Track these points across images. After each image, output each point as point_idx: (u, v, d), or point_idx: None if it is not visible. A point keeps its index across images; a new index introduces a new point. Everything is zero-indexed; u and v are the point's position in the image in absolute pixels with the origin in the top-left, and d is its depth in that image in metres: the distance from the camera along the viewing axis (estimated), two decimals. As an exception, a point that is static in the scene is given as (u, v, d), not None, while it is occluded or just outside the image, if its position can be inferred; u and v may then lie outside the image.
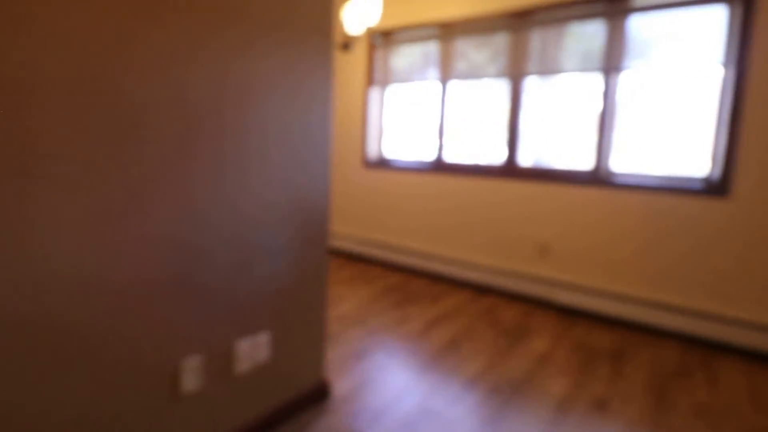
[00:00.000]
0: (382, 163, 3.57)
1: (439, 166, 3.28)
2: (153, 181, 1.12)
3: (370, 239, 3.72)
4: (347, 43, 2.94)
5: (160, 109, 1.12)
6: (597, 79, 2.66)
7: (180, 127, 1.16)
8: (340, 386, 1.81)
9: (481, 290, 3.07)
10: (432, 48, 3.25)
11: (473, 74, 3.10)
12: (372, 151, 3.68)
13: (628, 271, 2.57)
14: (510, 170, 2.96)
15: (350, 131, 3.79)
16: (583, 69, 2.68)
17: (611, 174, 2.65)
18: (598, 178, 2.64)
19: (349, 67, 3.73)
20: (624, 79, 2.59)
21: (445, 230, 3.26)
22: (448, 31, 3.16)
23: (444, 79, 3.24)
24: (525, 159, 3.00)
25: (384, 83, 3.53)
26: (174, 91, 1.14)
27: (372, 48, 3.53)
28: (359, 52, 3.62)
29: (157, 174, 1.13)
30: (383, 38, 3.48)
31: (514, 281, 2.93)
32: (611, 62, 2.57)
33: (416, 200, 3.37)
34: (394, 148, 3.70)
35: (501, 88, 3.08)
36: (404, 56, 3.40)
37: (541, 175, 2.84)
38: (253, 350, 1.42)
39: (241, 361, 1.39)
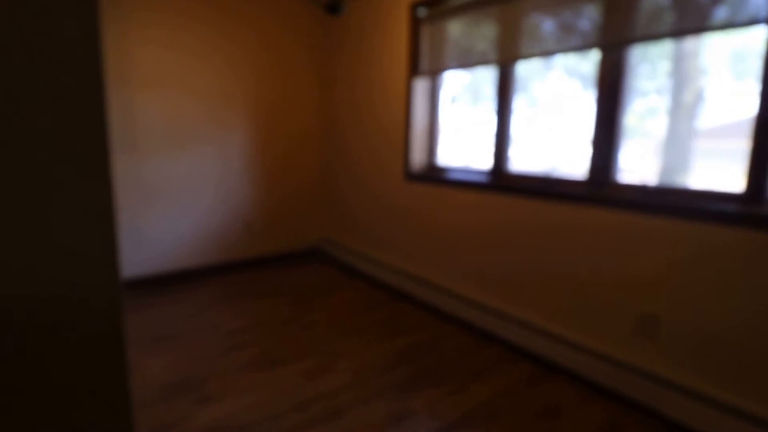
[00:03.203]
0: (430, 176, 2.74)
1: (501, 183, 2.34)
2: None
3: (405, 271, 2.94)
4: (335, 2, 2.13)
5: None
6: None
7: None
8: None
9: (546, 369, 2.10)
10: (494, 19, 2.31)
11: (545, 51, 2.09)
12: (416, 160, 2.87)
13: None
14: (601, 192, 1.91)
15: (388, 134, 3.03)
16: None
17: (789, 213, 1.46)
18: (760, 216, 1.48)
19: (386, 51, 2.96)
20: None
21: (505, 274, 2.34)
22: (513, -11, 2.19)
23: (507, 61, 2.28)
24: (630, 172, 1.93)
25: (433, 71, 2.68)
26: None
27: (415, 23, 2.70)
28: (398, 31, 2.82)
29: None
30: (429, 9, 2.63)
31: (598, 366, 1.91)
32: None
33: (470, 227, 2.49)
34: (446, 156, 2.84)
35: (589, 68, 2.02)
36: (462, 33, 2.50)
37: (658, 206, 1.75)
38: None
39: None
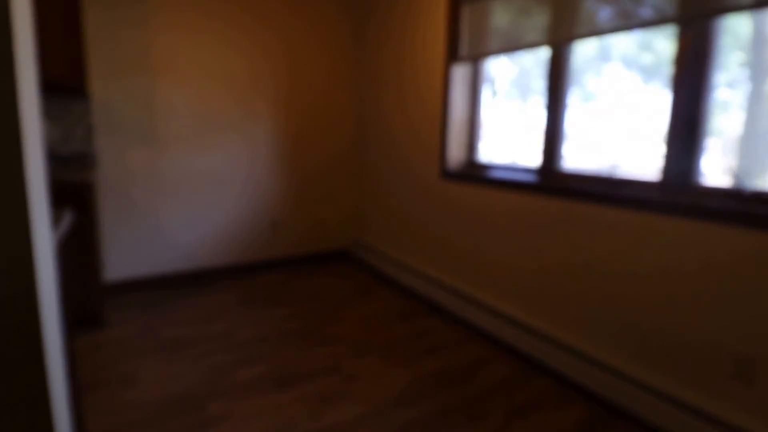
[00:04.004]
0: (469, 174, 2.41)
1: (552, 183, 1.98)
2: None
3: (439, 281, 2.63)
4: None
5: None
6: None
7: None
8: None
9: (605, 411, 1.72)
10: (547, -13, 1.95)
11: (607, 28, 1.71)
12: (454, 157, 2.55)
13: None
14: (680, 197, 1.52)
15: (422, 127, 2.72)
16: None
17: None
18: None
19: (419, 34, 2.65)
20: None
21: (559, 294, 1.98)
22: (574, -47, 1.82)
23: (562, 42, 1.92)
24: (720, 172, 1.53)
25: (474, 57, 2.35)
26: None
27: (454, 3, 2.38)
28: (435, 11, 2.50)
29: None
30: (474, -15, 2.30)
31: (674, 413, 1.52)
32: None
33: (515, 234, 2.15)
34: (488, 152, 2.50)
35: (652, 58, 1.64)
36: (509, 13, 2.16)
37: (756, 216, 1.34)
38: None
39: None
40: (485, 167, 2.46)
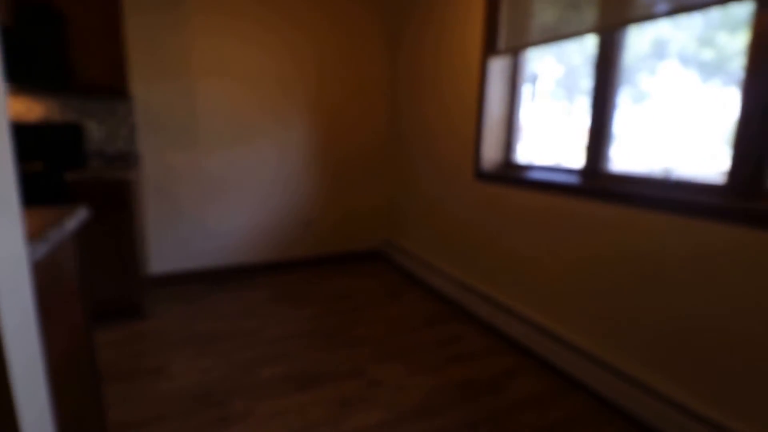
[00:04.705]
0: (505, 175, 2.29)
1: (597, 185, 1.83)
2: None
3: (471, 285, 2.52)
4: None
5: None
6: None
7: None
8: None
9: (648, 435, 1.57)
10: (592, -28, 1.79)
11: (676, 6, 1.53)
12: (489, 157, 2.43)
13: None
14: (754, 204, 1.34)
15: (455, 123, 2.62)
16: None
17: None
18: None
19: (458, 27, 2.54)
20: None
21: (600, 307, 1.83)
22: (624, -68, 1.65)
23: (615, 26, 1.75)
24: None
25: (514, 49, 2.22)
26: None
27: (495, -7, 2.26)
28: (472, 2, 2.38)
29: None
30: (513, -26, 2.17)
31: (728, 447, 1.36)
32: None
33: (554, 241, 2.02)
34: (527, 153, 2.37)
35: (712, 55, 1.45)
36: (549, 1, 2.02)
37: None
38: None
39: None
40: (523, 168, 2.32)
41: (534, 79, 2.30)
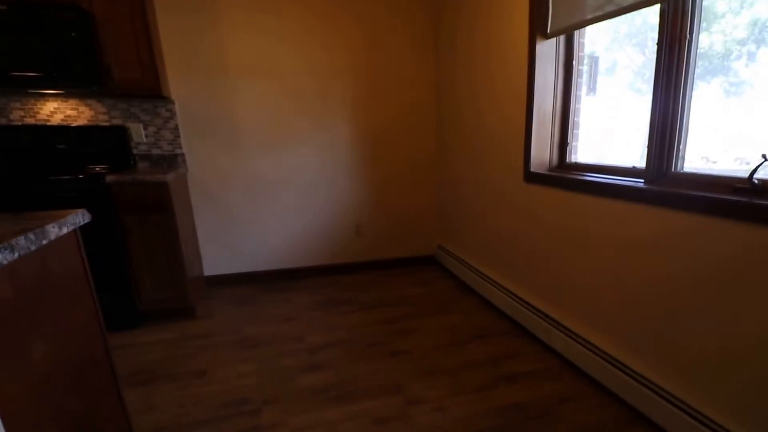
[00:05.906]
0: (559, 178, 2.05)
1: (669, 188, 1.54)
2: None
3: (524, 299, 2.28)
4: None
5: None
6: None
7: None
8: None
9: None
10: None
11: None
12: (540, 156, 2.20)
13: None
14: None
15: (499, 118, 2.39)
16: None
17: None
18: None
19: (494, 4, 2.31)
20: None
21: (675, 336, 1.54)
22: None
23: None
24: None
25: (567, 30, 1.98)
26: None
27: (549, -27, 2.03)
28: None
29: None
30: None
31: None
32: None
33: (619, 253, 1.74)
34: (584, 152, 2.10)
35: None
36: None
37: None
38: None
39: None
40: (578, 168, 2.06)
41: (592, 66, 2.03)
